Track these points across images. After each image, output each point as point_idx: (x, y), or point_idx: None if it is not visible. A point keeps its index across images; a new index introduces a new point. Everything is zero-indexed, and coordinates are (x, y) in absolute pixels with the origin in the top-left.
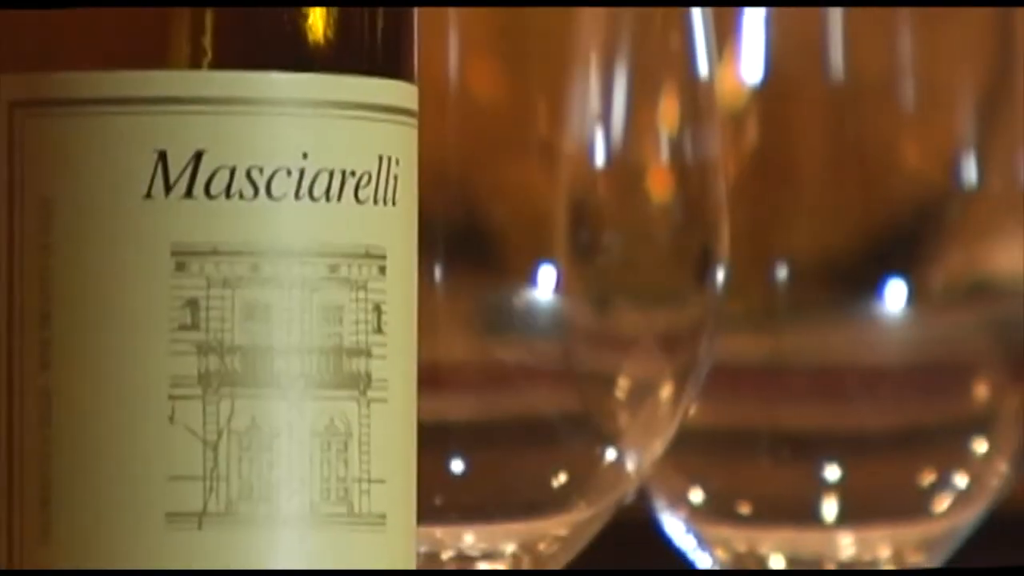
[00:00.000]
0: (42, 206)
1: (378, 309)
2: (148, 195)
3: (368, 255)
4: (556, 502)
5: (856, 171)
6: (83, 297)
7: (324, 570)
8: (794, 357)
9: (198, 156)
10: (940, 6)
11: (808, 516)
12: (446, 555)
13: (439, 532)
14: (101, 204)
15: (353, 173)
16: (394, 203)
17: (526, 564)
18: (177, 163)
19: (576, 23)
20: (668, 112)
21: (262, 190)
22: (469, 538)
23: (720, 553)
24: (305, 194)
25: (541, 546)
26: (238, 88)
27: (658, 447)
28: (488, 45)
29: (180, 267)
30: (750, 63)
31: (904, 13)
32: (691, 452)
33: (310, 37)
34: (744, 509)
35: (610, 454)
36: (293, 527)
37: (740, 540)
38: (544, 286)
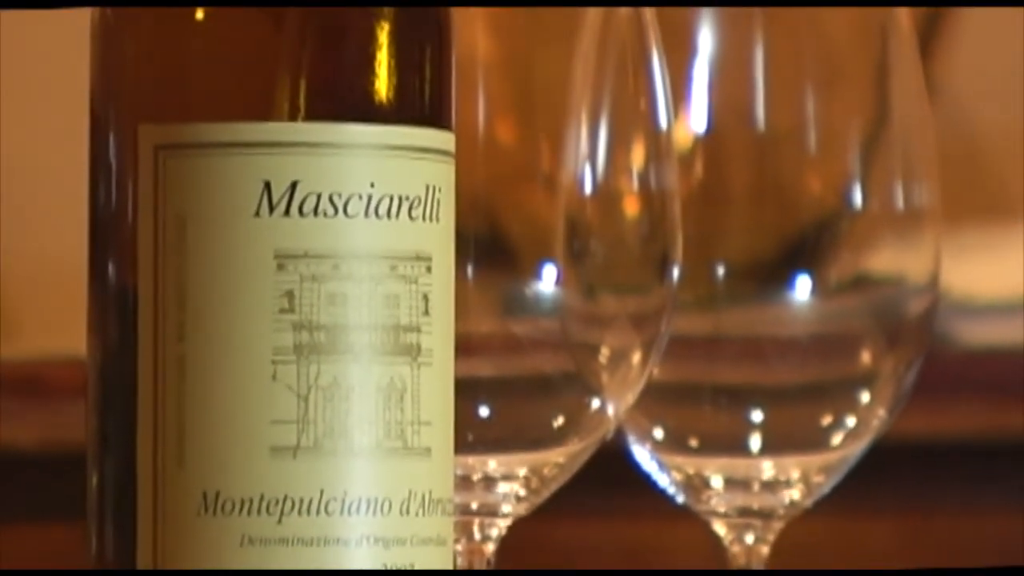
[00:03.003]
0: (178, 222)
1: (426, 298)
2: (256, 214)
3: (418, 258)
4: (556, 438)
5: (774, 197)
6: (208, 289)
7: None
8: (729, 331)
9: (294, 185)
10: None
11: (739, 448)
12: (475, 477)
13: (470, 460)
14: (222, 220)
15: (407, 197)
16: (437, 220)
17: (534, 484)
18: (278, 190)
19: (571, 87)
20: (638, 154)
21: (340, 210)
22: (492, 464)
23: (675, 475)
24: (372, 213)
25: (545, 470)
26: (323, 135)
27: (630, 398)
28: (506, 103)
29: (280, 267)
30: (697, 117)
31: (808, 80)
32: (654, 401)
33: (376, 98)
34: (693, 443)
35: (595, 403)
36: (363, 457)
37: (690, 465)
38: (547, 280)
